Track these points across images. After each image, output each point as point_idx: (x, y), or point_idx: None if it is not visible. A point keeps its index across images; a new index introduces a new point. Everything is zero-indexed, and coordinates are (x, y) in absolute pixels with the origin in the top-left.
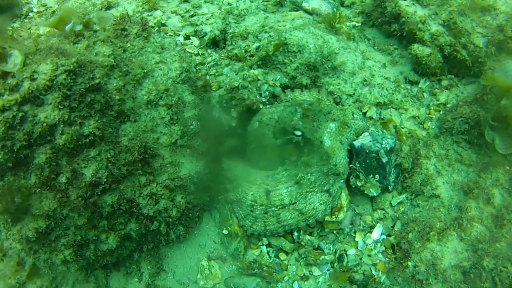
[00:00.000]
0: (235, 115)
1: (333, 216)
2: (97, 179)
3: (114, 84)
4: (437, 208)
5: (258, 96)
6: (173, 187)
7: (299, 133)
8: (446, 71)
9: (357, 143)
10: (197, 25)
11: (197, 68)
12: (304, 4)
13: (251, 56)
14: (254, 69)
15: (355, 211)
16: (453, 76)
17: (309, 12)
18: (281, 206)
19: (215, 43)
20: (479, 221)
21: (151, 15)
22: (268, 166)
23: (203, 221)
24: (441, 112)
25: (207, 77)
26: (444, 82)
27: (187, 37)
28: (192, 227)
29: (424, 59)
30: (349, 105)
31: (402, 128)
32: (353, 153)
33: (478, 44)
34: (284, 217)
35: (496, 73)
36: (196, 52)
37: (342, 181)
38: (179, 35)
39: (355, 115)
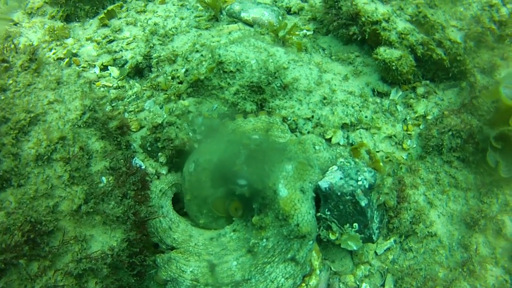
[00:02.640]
0: (164, 161)
1: (303, 284)
2: None
3: None
4: (435, 250)
5: (191, 134)
6: (81, 271)
7: (243, 182)
8: (420, 76)
9: (324, 184)
10: (116, 52)
11: (113, 104)
12: (243, 15)
13: (180, 83)
14: (183, 99)
15: (330, 269)
16: (428, 82)
17: (250, 24)
18: (232, 285)
19: (139, 72)
20: (493, 262)
21: (60, 45)
22: (211, 225)
23: None
24: (421, 127)
25: (125, 114)
26: (420, 90)
27: (104, 68)
28: None
29: (394, 63)
30: (308, 132)
31: (377, 152)
32: (320, 196)
33: (455, 40)
34: None
35: (502, 87)
36: (115, 84)
37: (311, 242)
38: (94, 66)
39: (317, 147)
